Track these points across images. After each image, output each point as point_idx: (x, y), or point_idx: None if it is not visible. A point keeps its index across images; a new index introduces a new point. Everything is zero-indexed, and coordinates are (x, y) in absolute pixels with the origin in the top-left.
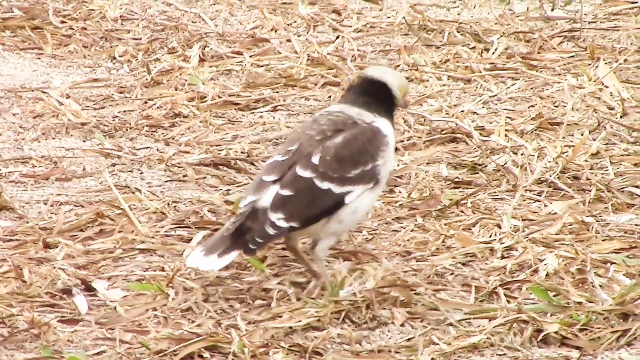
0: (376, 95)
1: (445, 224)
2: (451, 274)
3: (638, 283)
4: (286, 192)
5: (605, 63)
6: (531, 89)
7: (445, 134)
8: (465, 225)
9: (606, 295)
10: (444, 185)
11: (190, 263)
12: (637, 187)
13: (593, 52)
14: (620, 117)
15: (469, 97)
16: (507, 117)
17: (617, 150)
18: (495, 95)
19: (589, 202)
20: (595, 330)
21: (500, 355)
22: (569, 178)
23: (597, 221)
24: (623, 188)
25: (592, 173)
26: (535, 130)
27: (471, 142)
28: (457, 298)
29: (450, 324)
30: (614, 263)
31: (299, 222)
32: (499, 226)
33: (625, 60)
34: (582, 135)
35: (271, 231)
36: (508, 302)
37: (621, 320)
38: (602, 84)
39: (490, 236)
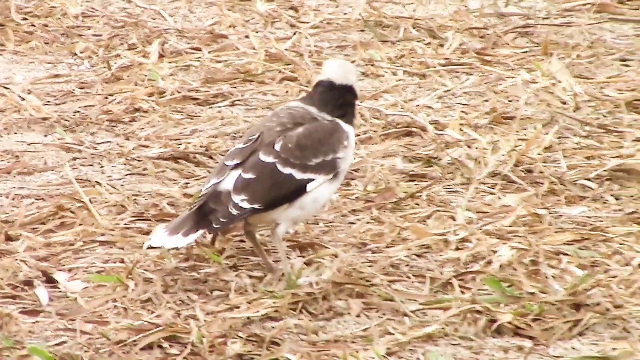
0: (339, 99)
1: (400, 216)
2: (406, 265)
3: (590, 274)
4: (249, 176)
5: (558, 58)
6: (485, 83)
7: (400, 128)
8: (420, 218)
9: (559, 286)
10: (399, 178)
11: (155, 242)
12: (589, 180)
13: (546, 47)
14: (573, 111)
15: (424, 91)
16: (461, 112)
17: (570, 144)
18: (450, 90)
19: (542, 194)
20: (548, 321)
21: (454, 345)
22: (522, 171)
23: (550, 213)
24: (575, 181)
25: (545, 166)
26: (489, 124)
27: (426, 136)
28: (412, 289)
29: (405, 315)
30: (567, 255)
31: (261, 204)
32: (454, 218)
33: (578, 55)
34: (535, 129)
35: (234, 212)
36: (462, 292)
37: (573, 310)
38: (555, 79)
39: (445, 228)
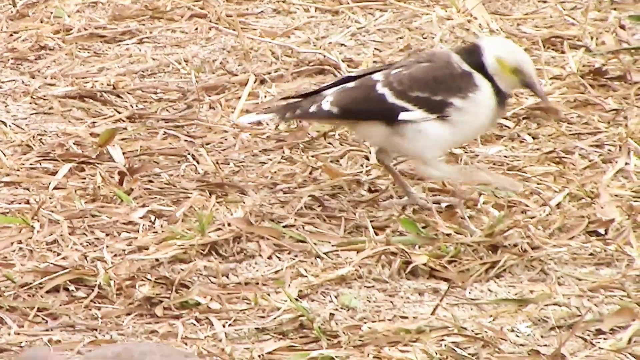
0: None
1: (312, 156)
2: (319, 206)
3: (507, 214)
4: (350, 85)
5: None
6: (399, 20)
7: (313, 66)
8: (333, 157)
9: (475, 227)
10: None
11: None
12: (505, 118)
13: None
14: None
15: (337, 29)
16: (375, 49)
17: None
18: (363, 27)
19: None
20: (464, 262)
21: (368, 287)
22: None
23: (466, 152)
24: None
25: None
26: None
27: (339, 74)
28: (324, 230)
29: (318, 256)
30: (483, 194)
31: (338, 108)
32: (367, 158)
33: None
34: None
35: (312, 109)
36: (376, 234)
37: (490, 252)
38: (471, 16)
39: (358, 168)
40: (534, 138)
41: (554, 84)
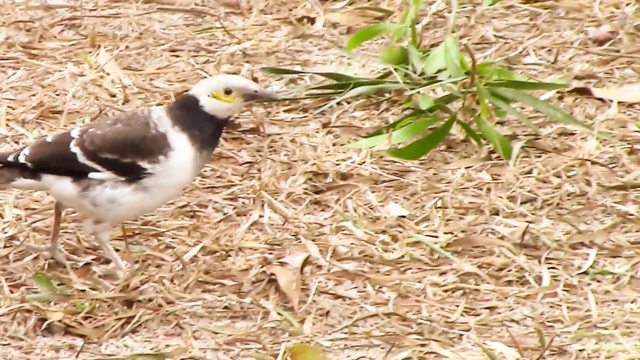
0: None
1: None
2: None
3: (140, 269)
4: (49, 139)
5: (107, 50)
6: (32, 78)
7: None
8: None
9: (109, 283)
10: None
11: None
12: None
13: (94, 39)
14: (122, 104)
15: None
16: (8, 107)
17: None
18: None
19: None
20: (99, 318)
21: (4, 345)
22: None
23: None
24: None
25: None
26: (37, 119)
27: None
28: None
29: None
30: (118, 250)
31: (31, 159)
32: (1, 216)
33: (127, 47)
34: (83, 122)
35: (10, 157)
36: (11, 292)
37: (125, 307)
38: (104, 71)
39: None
40: None
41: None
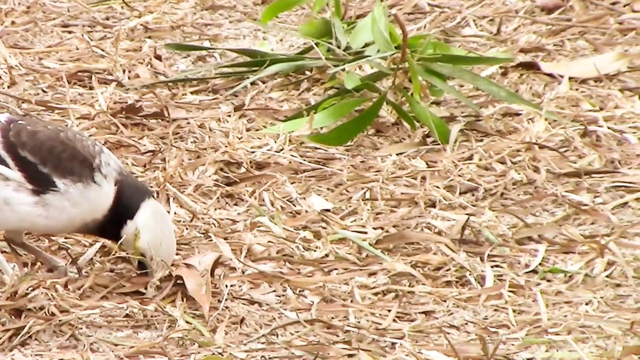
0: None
1: None
2: None
3: (29, 273)
4: None
5: None
6: None
7: None
8: None
9: None
10: None
11: None
12: None
13: None
14: (8, 87)
15: None
16: None
17: None
18: None
19: None
20: None
21: None
22: None
23: None
24: None
25: None
26: None
27: None
28: None
29: None
30: (5, 251)
31: None
32: None
33: (13, 22)
34: None
35: None
36: None
37: (13, 317)
38: None
39: None
40: None
41: (82, 124)
